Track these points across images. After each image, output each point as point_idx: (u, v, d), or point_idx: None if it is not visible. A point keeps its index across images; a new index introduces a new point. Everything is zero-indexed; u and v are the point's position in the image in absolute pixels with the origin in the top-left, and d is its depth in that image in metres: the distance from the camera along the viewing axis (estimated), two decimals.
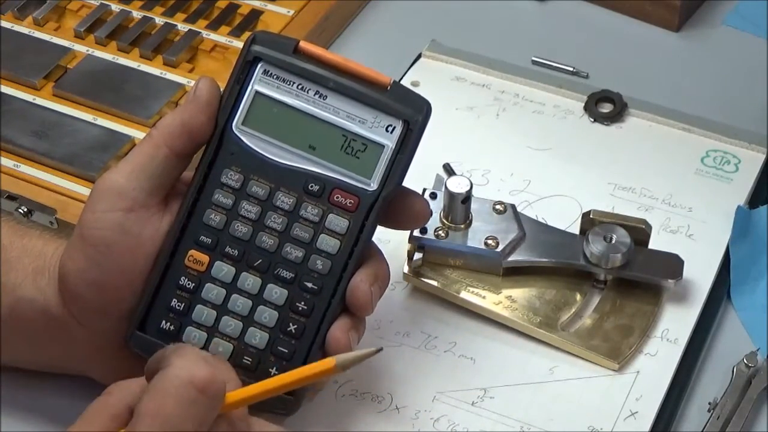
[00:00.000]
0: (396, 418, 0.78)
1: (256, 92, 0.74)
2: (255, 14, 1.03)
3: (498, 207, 0.85)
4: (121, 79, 0.97)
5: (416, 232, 0.83)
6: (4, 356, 0.77)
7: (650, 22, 1.05)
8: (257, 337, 0.73)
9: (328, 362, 0.66)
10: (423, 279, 0.84)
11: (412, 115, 0.73)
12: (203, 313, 0.73)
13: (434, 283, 0.84)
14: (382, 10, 1.07)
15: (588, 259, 0.82)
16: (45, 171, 0.91)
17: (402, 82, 0.97)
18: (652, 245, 0.84)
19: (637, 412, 0.78)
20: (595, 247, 0.82)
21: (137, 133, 0.93)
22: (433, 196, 0.85)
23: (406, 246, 0.84)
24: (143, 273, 0.73)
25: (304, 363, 0.72)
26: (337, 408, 0.78)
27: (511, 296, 0.83)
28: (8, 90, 0.96)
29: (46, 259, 0.75)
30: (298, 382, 0.67)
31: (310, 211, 0.73)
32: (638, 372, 0.80)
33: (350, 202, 0.73)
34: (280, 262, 0.73)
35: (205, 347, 0.73)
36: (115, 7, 1.04)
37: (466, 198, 0.83)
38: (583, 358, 0.81)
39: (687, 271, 0.83)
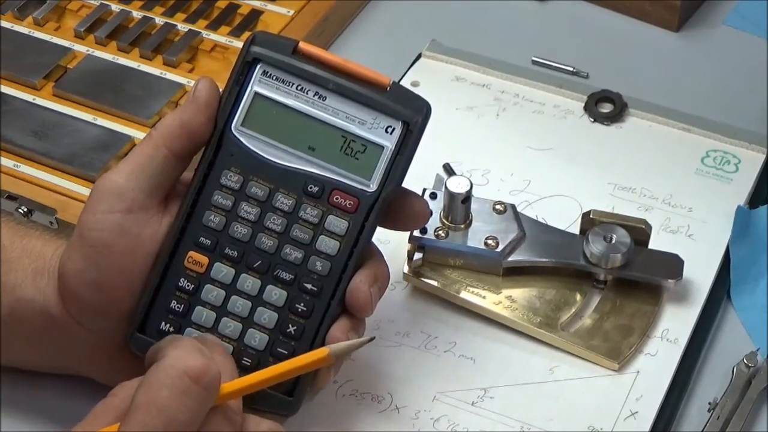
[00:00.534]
0: (396, 418, 0.78)
1: (256, 93, 0.74)
2: (255, 14, 1.03)
3: (498, 207, 0.85)
4: (121, 79, 0.97)
5: (416, 232, 0.83)
6: (4, 357, 0.77)
7: (650, 22, 1.05)
8: (257, 339, 0.72)
9: (321, 351, 0.67)
10: (423, 279, 0.84)
11: (411, 116, 0.73)
12: (203, 315, 0.73)
13: (434, 283, 0.84)
14: (382, 10, 1.07)
15: (588, 259, 0.82)
16: (45, 171, 0.91)
17: (402, 82, 0.98)
18: (652, 245, 0.84)
19: (637, 412, 0.78)
20: (595, 247, 0.82)
21: (137, 133, 0.93)
22: (433, 196, 0.85)
23: (406, 246, 0.84)
24: (143, 274, 0.73)
25: None
26: (337, 408, 0.78)
27: (511, 296, 0.83)
28: (8, 90, 0.96)
29: (45, 259, 0.75)
30: (293, 371, 0.68)
31: (310, 212, 0.73)
32: (638, 372, 0.80)
33: (350, 203, 0.73)
34: (279, 263, 0.73)
35: None
36: (115, 7, 1.04)
37: (466, 198, 0.83)
38: (583, 358, 0.81)
39: (687, 271, 0.83)
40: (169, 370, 0.63)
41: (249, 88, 0.74)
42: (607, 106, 0.97)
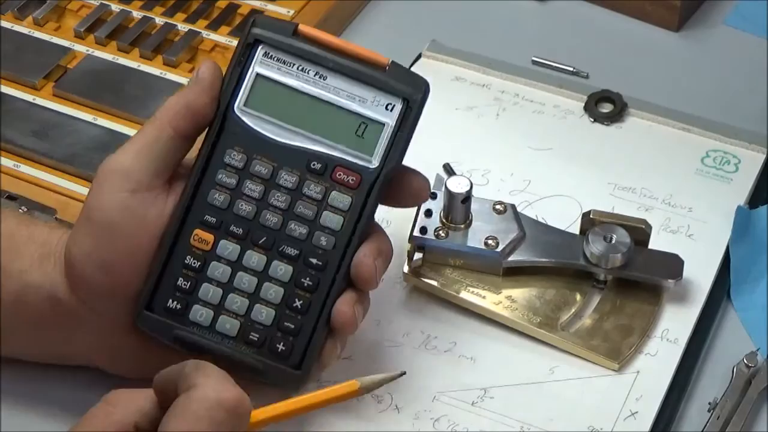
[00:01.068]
0: (396, 418, 0.78)
1: (257, 74, 0.75)
2: (255, 14, 1.03)
3: (498, 207, 0.85)
4: (121, 79, 0.97)
5: (416, 232, 0.83)
6: (9, 347, 0.77)
7: (650, 22, 1.05)
8: (263, 314, 0.74)
9: (352, 384, 0.68)
10: (423, 279, 0.84)
11: (411, 93, 0.75)
12: (209, 291, 0.74)
13: (434, 283, 0.84)
14: (382, 10, 1.07)
15: (588, 259, 0.82)
16: (45, 171, 0.91)
17: None
18: (652, 245, 0.84)
19: (637, 412, 0.78)
20: (595, 247, 0.82)
21: None
22: (433, 196, 0.85)
23: (406, 246, 0.84)
24: (149, 253, 0.74)
25: (311, 339, 0.73)
26: (337, 408, 0.78)
27: (511, 296, 0.83)
28: (8, 90, 0.97)
29: (51, 246, 0.76)
30: (322, 403, 0.68)
31: (313, 189, 0.74)
32: (638, 372, 0.80)
33: (352, 180, 0.74)
34: (284, 239, 0.74)
35: (212, 325, 0.74)
36: (115, 7, 1.04)
37: (466, 198, 0.83)
38: (583, 358, 0.81)
39: (687, 271, 0.83)
40: (204, 401, 0.62)
41: (251, 69, 0.75)
42: (607, 106, 0.97)
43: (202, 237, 0.74)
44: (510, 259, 0.83)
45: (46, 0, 1.04)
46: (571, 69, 1.01)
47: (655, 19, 1.05)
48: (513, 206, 0.85)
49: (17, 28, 1.02)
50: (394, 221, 0.85)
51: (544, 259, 0.83)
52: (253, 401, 0.65)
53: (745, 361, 0.79)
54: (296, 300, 0.74)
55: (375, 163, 0.74)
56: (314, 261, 0.74)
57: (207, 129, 0.75)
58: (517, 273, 0.84)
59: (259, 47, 0.75)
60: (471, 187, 0.83)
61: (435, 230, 0.84)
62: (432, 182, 0.88)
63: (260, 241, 0.74)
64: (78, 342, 0.76)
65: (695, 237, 0.87)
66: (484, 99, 0.98)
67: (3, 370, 0.78)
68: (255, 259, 0.74)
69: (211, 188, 0.75)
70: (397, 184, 0.76)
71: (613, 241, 0.82)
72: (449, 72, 1.00)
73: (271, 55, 0.75)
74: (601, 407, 0.78)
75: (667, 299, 0.83)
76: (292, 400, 0.68)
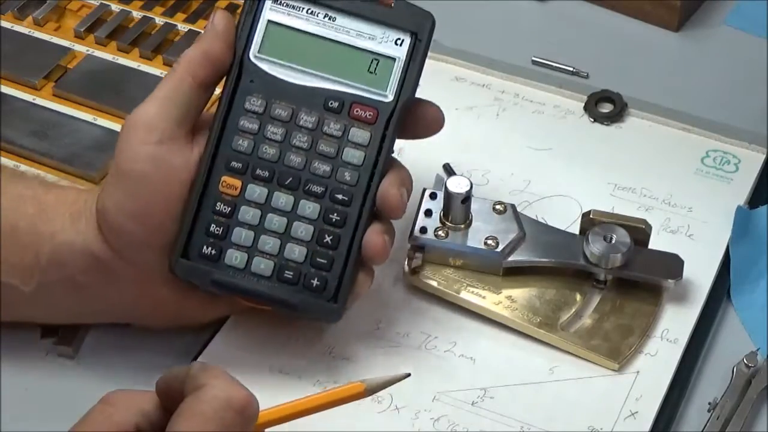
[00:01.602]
0: (396, 418, 0.78)
1: (269, 21, 0.78)
2: None
3: (498, 207, 0.85)
4: (121, 79, 0.97)
5: (416, 232, 0.83)
6: (48, 310, 0.78)
7: (650, 22, 1.05)
8: (296, 252, 0.76)
9: (357, 386, 0.68)
10: (423, 279, 0.84)
11: (418, 26, 0.78)
12: (242, 235, 0.76)
13: (434, 283, 0.84)
14: None
15: (588, 259, 0.82)
16: (45, 171, 0.91)
17: None
18: (652, 245, 0.84)
19: (637, 412, 0.78)
20: (595, 247, 0.82)
21: None
22: (433, 196, 0.85)
23: (406, 246, 0.84)
24: (180, 201, 0.75)
25: (343, 272, 0.76)
26: (337, 408, 0.78)
27: (511, 296, 0.83)
28: (8, 90, 0.97)
29: (81, 204, 0.77)
30: (328, 405, 0.69)
31: (333, 127, 0.77)
32: (638, 372, 0.80)
33: (369, 115, 0.77)
34: (309, 178, 0.77)
35: (247, 266, 0.76)
36: (115, 7, 1.04)
37: (466, 198, 0.83)
38: (583, 358, 0.81)
39: (687, 271, 0.83)
40: (213, 402, 0.62)
41: (262, 17, 0.78)
42: (607, 106, 0.97)
43: (229, 183, 0.76)
44: (510, 259, 0.83)
45: (46, 0, 1.04)
46: (571, 69, 1.01)
47: (655, 19, 1.05)
48: (513, 206, 0.85)
49: (17, 28, 1.02)
50: (394, 221, 0.84)
51: (544, 259, 0.83)
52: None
53: (745, 361, 0.79)
54: (326, 236, 0.76)
55: (390, 97, 0.77)
56: (340, 197, 0.76)
57: (225, 78, 0.77)
58: (517, 273, 0.84)
59: None
60: (471, 187, 0.83)
61: (435, 230, 0.84)
62: (432, 182, 0.88)
63: (286, 182, 0.77)
64: (116, 296, 0.77)
65: (695, 237, 0.87)
66: (484, 99, 0.98)
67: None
68: (283, 199, 0.76)
69: (234, 134, 0.77)
70: (413, 116, 0.78)
71: (613, 241, 0.82)
72: (449, 72, 1.00)
73: (280, 1, 0.78)
74: (601, 407, 0.78)
75: (667, 299, 0.83)
76: (297, 401, 0.68)
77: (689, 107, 0.96)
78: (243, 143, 0.77)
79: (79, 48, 1.00)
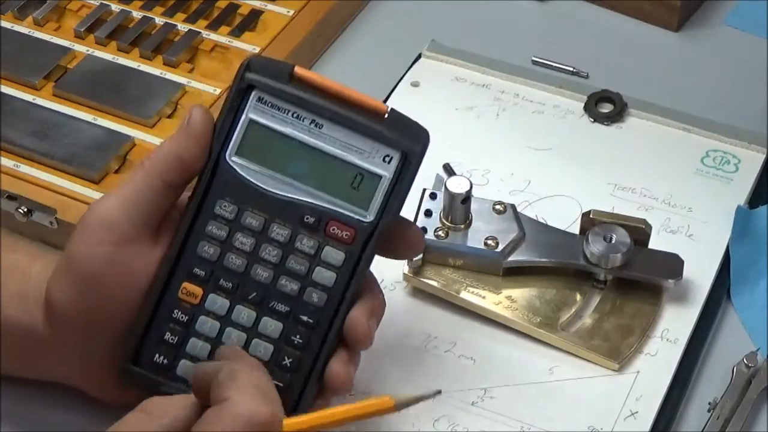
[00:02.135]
0: (396, 418, 0.78)
1: (251, 120, 0.72)
2: (255, 14, 1.03)
3: (498, 207, 0.85)
4: (121, 79, 0.97)
5: None
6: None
7: (650, 22, 1.05)
8: None
9: (386, 402, 0.66)
10: (423, 279, 0.84)
11: (410, 145, 0.71)
12: (197, 346, 0.72)
13: (434, 283, 0.84)
14: (382, 10, 1.07)
15: (588, 259, 0.82)
16: (45, 171, 0.91)
17: (402, 82, 0.98)
18: (652, 245, 0.84)
19: (637, 412, 0.78)
20: (595, 247, 0.82)
21: (137, 133, 0.93)
22: (433, 196, 0.85)
23: None
24: (134, 304, 0.72)
25: (300, 397, 0.71)
26: None
27: (511, 296, 0.83)
28: (8, 90, 0.96)
29: (30, 280, 0.74)
30: (353, 417, 0.67)
31: (306, 244, 0.72)
32: (638, 372, 0.80)
33: (346, 234, 0.72)
34: (275, 294, 0.72)
35: None
36: (115, 7, 1.04)
37: (466, 198, 0.83)
38: (583, 358, 0.81)
39: (687, 271, 0.83)
40: (238, 419, 0.62)
41: (244, 116, 0.72)
42: (607, 106, 0.97)
43: (190, 290, 0.72)
44: (510, 259, 0.83)
45: (46, 0, 1.04)
46: (571, 69, 1.01)
47: (655, 19, 1.05)
48: (513, 206, 0.85)
49: (17, 28, 1.02)
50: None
51: (544, 259, 0.83)
52: None
53: (745, 361, 0.79)
54: (286, 357, 0.71)
55: (370, 217, 0.72)
56: (305, 318, 0.71)
57: (198, 177, 0.73)
58: (517, 273, 0.84)
59: (253, 92, 0.72)
60: (471, 187, 0.83)
61: (435, 230, 0.84)
62: (432, 182, 0.88)
63: (250, 296, 0.72)
64: (60, 370, 0.75)
65: (695, 237, 0.87)
66: (484, 99, 0.98)
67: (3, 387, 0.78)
68: (245, 314, 0.72)
69: (201, 239, 0.72)
70: (393, 236, 0.73)
71: (613, 241, 0.82)
72: (449, 72, 1.00)
73: (266, 101, 0.72)
74: (601, 407, 0.78)
75: (667, 299, 0.83)
76: (324, 411, 0.66)
77: (689, 107, 0.96)
78: (209, 250, 0.72)
79: (79, 48, 1.00)
